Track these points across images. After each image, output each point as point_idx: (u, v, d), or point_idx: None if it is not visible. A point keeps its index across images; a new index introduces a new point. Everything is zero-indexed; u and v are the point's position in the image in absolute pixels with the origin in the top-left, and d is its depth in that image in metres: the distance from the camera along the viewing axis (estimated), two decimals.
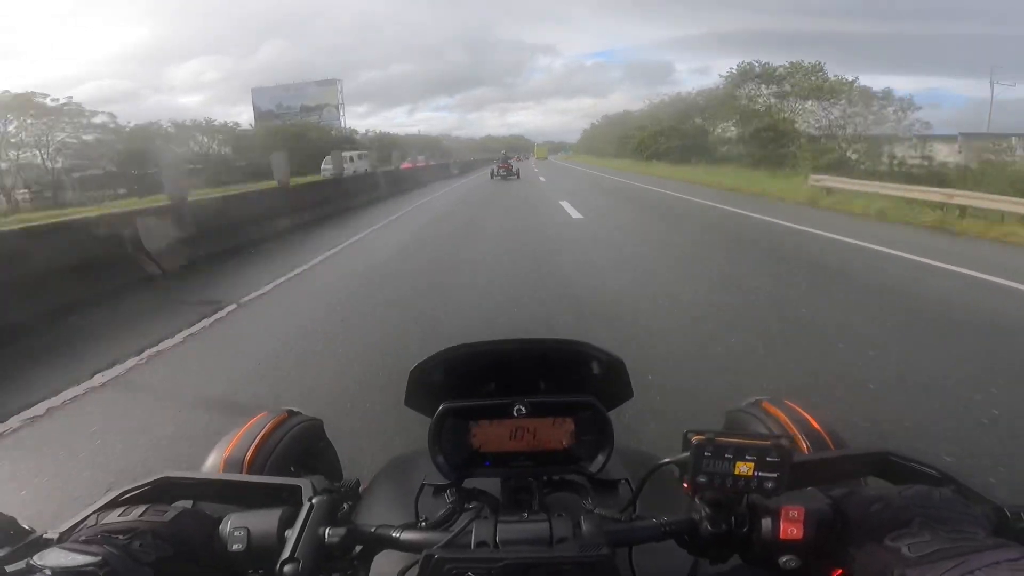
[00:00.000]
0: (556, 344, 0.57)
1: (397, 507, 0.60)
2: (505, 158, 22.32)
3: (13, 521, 0.45)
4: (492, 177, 19.25)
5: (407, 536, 0.47)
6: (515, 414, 0.54)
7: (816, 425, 0.77)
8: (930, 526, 0.41)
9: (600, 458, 0.54)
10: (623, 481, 0.59)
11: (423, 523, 0.50)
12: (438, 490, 0.59)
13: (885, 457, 0.51)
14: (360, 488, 0.53)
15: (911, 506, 0.43)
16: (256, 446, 0.76)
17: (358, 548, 0.47)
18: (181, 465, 0.79)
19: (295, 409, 0.89)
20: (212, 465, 0.75)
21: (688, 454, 0.45)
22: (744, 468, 0.44)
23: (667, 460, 0.49)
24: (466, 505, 0.53)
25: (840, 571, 0.44)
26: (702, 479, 0.45)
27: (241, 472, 0.72)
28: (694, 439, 0.45)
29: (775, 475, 0.44)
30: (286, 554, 0.44)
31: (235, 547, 0.47)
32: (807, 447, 0.72)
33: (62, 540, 0.45)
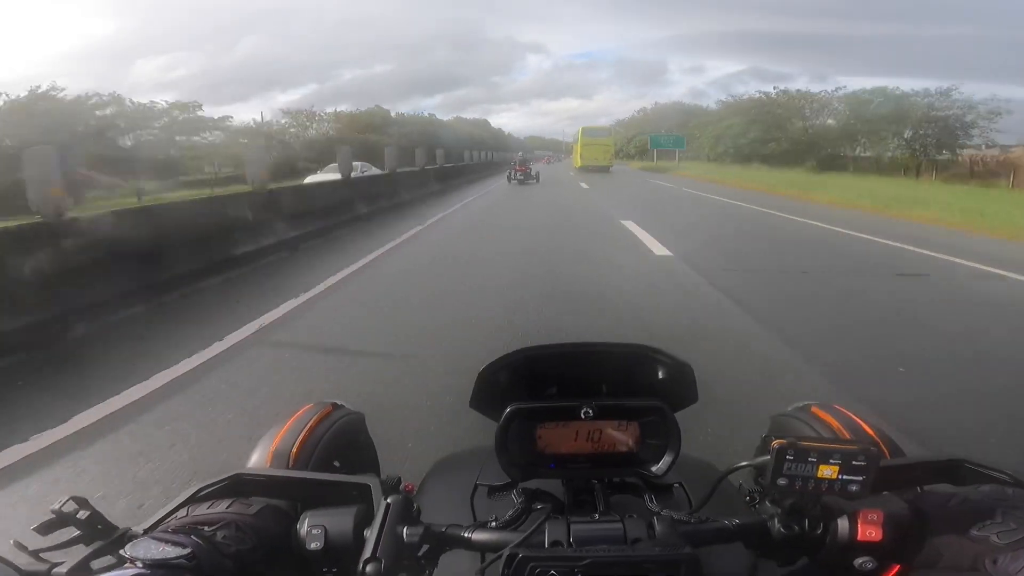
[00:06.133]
0: (623, 348, 0.64)
1: (452, 507, 0.68)
2: (523, 160, 23.13)
3: (99, 516, 0.50)
4: (509, 182, 20.49)
5: (479, 536, 0.53)
6: (582, 416, 0.61)
7: (869, 430, 0.82)
8: (1014, 516, 0.47)
9: (666, 460, 0.61)
10: (677, 485, 0.66)
11: (493, 523, 0.57)
12: (492, 490, 0.66)
13: (959, 463, 0.58)
14: (400, 485, 0.61)
15: (989, 500, 0.50)
16: (302, 440, 0.85)
17: (425, 547, 0.53)
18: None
19: (339, 402, 1.00)
20: (259, 458, 0.84)
21: (767, 457, 0.51)
22: (828, 471, 0.51)
23: (744, 464, 0.56)
24: (532, 506, 0.60)
25: (898, 567, 0.51)
26: (782, 482, 0.51)
27: (287, 465, 0.81)
28: (776, 443, 0.51)
29: (860, 478, 0.50)
30: (367, 553, 0.50)
31: (313, 545, 0.54)
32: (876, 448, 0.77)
33: (147, 534, 0.51)
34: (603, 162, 34.47)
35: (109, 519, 0.50)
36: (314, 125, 43.55)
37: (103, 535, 0.50)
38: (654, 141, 47.87)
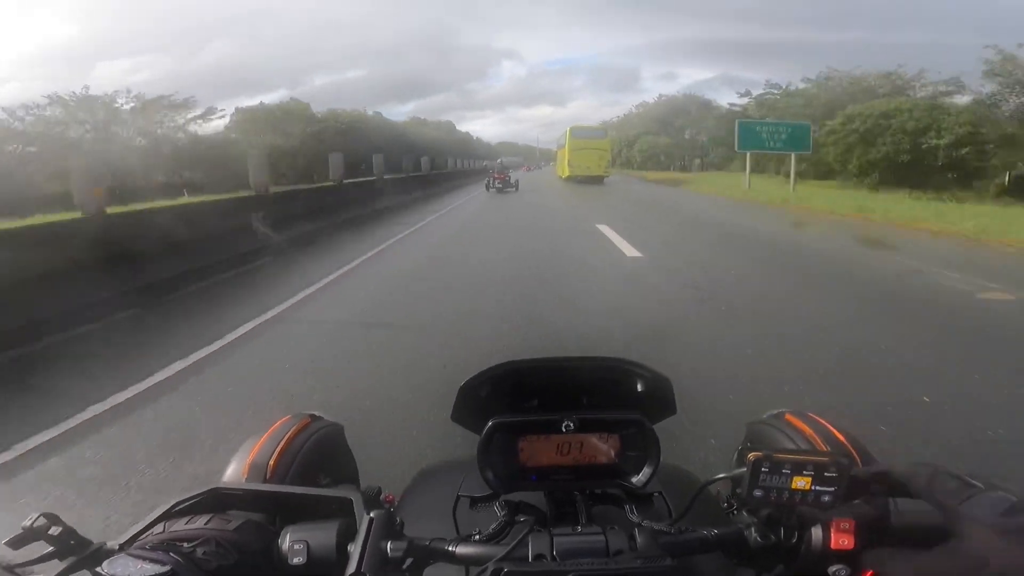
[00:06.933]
0: (603, 362, 0.71)
1: (433, 519, 0.73)
2: (502, 168, 24.85)
3: (72, 531, 0.54)
4: (488, 190, 23.43)
5: (463, 549, 0.59)
6: (563, 430, 0.68)
7: (841, 438, 0.89)
8: (985, 533, 0.52)
9: (646, 472, 0.68)
10: (657, 494, 0.73)
11: (476, 536, 0.63)
12: (475, 502, 0.71)
13: (933, 472, 0.66)
14: (381, 496, 0.67)
15: (965, 515, 0.55)
16: (279, 452, 0.89)
17: (409, 560, 0.58)
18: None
19: (317, 413, 1.05)
20: (235, 471, 0.88)
21: (743, 469, 0.58)
22: (802, 483, 0.57)
23: (721, 476, 0.63)
24: (515, 518, 0.66)
25: (871, 572, 0.57)
26: (758, 493, 0.57)
27: (265, 478, 0.85)
28: (751, 456, 0.57)
29: (833, 489, 0.57)
30: (352, 568, 0.54)
31: (295, 560, 0.58)
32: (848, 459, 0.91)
33: (123, 550, 0.54)
34: (596, 171, 30.12)
35: (82, 533, 0.55)
36: (120, 118, 32.35)
37: (77, 550, 0.53)
38: (746, 133, 23.73)
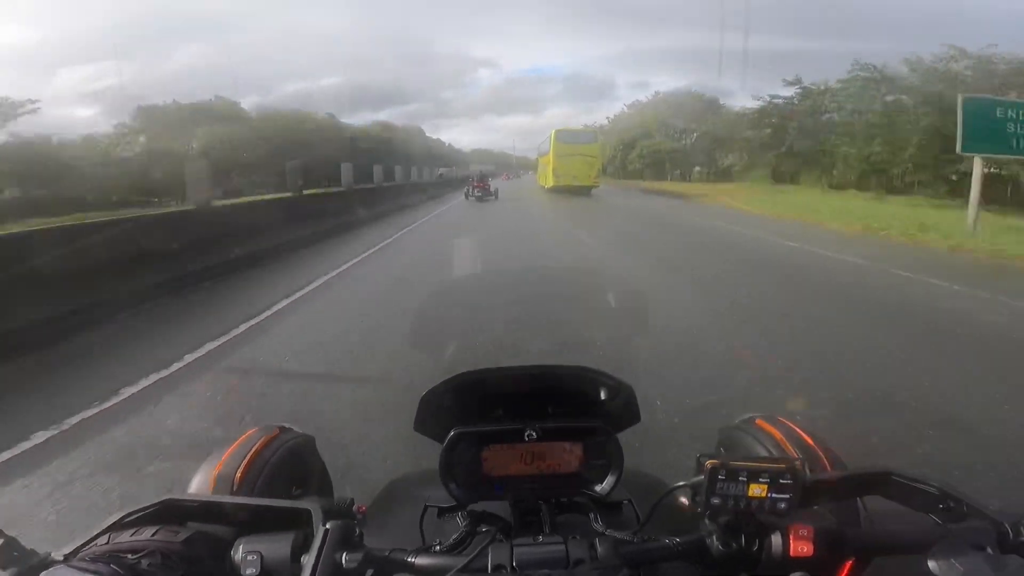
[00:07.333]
0: (565, 371, 0.73)
1: (400, 530, 0.74)
2: (481, 176, 24.75)
3: (14, 542, 0.54)
4: (467, 198, 24.34)
5: (422, 560, 0.60)
6: (526, 439, 0.68)
7: (811, 443, 0.92)
8: (940, 541, 0.54)
9: (610, 480, 0.70)
10: (626, 502, 0.74)
11: (437, 547, 0.64)
12: (442, 512, 0.72)
13: (887, 476, 0.65)
14: (353, 506, 0.66)
15: (920, 522, 0.58)
16: (247, 463, 0.88)
17: (369, 571, 0.60)
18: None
19: (287, 425, 1.05)
20: (201, 482, 0.89)
21: (702, 477, 0.60)
22: (758, 490, 0.58)
23: (680, 484, 0.64)
24: (478, 528, 0.67)
25: (851, 562, 0.61)
26: (716, 501, 0.59)
27: (232, 490, 0.85)
28: (708, 464, 0.59)
29: (788, 496, 0.59)
30: None
31: (248, 572, 0.58)
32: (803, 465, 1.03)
33: (66, 561, 0.55)
34: (584, 180, 26.65)
35: (26, 544, 0.56)
36: None
37: (18, 561, 0.53)
38: (980, 122, 10.68)
